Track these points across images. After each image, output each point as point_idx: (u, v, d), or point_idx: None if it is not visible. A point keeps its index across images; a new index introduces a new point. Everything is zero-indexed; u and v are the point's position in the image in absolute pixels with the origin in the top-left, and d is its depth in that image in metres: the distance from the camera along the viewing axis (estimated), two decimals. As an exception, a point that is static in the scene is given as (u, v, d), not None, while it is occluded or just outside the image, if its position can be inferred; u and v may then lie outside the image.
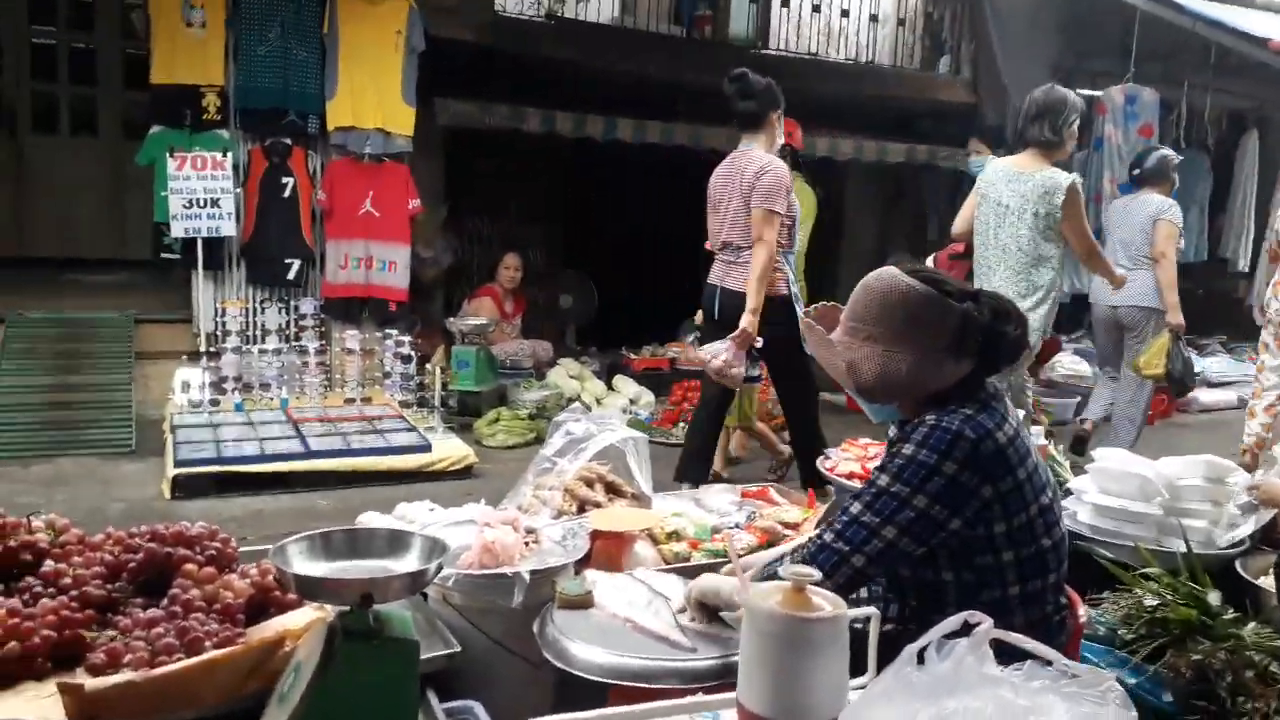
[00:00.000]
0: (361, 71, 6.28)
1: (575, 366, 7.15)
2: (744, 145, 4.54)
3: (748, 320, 4.28)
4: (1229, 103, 9.39)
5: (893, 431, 2.04)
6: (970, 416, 1.79)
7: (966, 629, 1.06)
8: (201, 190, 5.84)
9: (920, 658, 1.06)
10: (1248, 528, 3.16)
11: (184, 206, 5.82)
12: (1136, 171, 5.78)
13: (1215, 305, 9.60)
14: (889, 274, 1.90)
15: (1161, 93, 8.59)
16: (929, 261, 5.48)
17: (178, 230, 5.90)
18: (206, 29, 6.03)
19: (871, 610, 1.26)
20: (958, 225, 4.78)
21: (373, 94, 6.31)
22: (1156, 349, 5.00)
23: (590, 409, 6.38)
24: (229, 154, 5.97)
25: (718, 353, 4.36)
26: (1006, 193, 4.40)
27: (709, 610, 2.03)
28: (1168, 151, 5.86)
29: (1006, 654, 1.10)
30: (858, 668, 1.29)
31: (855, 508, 1.81)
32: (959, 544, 1.79)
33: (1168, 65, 8.78)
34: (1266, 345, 5.09)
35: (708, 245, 4.73)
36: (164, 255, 6.24)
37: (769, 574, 1.84)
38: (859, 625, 1.38)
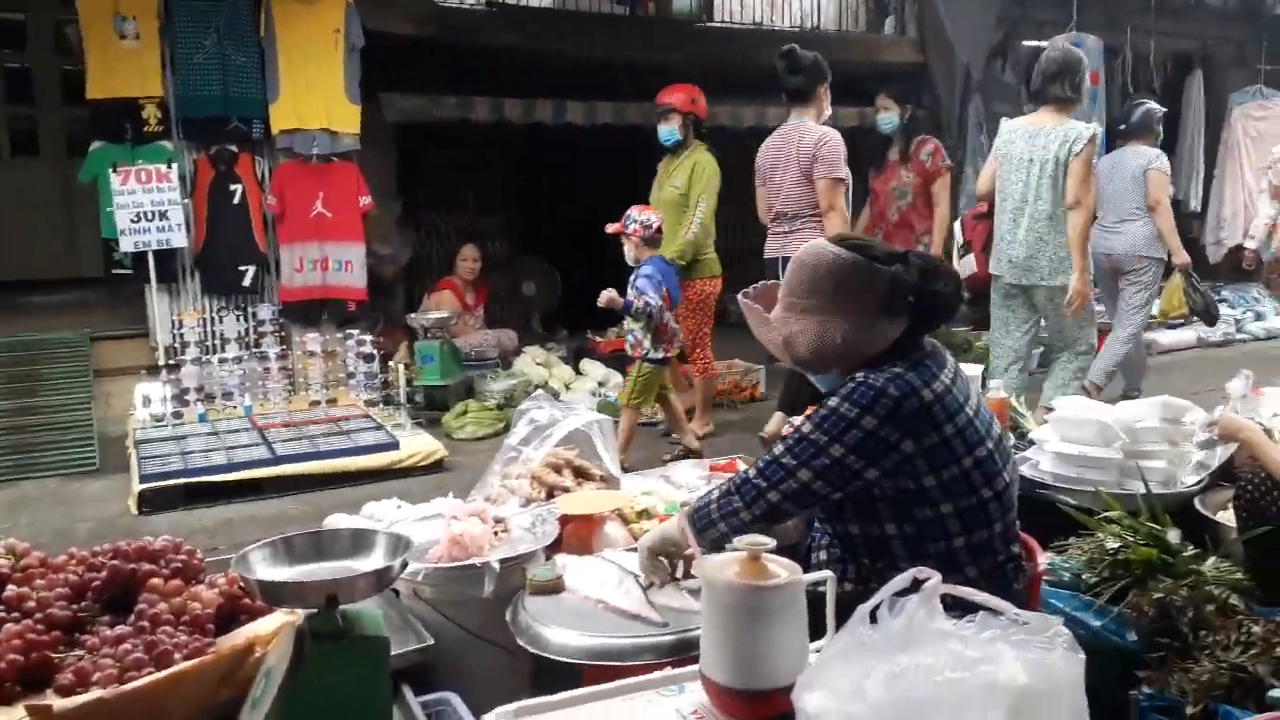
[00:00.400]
0: (303, 72, 6.19)
1: (541, 353, 7.14)
2: (795, 118, 4.81)
3: None
4: (1172, 45, 9.49)
5: None
6: (898, 375, 1.85)
7: (917, 585, 1.08)
8: (148, 203, 5.76)
9: (873, 616, 1.08)
10: (1213, 462, 3.22)
11: (131, 221, 5.74)
12: (1123, 126, 6.00)
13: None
14: (817, 245, 1.97)
15: (1105, 39, 8.67)
16: (957, 225, 5.56)
17: (127, 245, 5.81)
18: (140, 40, 5.92)
19: (827, 574, 1.28)
20: (981, 185, 4.89)
21: (316, 94, 6.23)
22: (1173, 290, 5.17)
23: (559, 395, 6.38)
24: (173, 165, 5.88)
25: None
26: (1028, 149, 4.50)
27: (663, 566, 2.12)
28: (1152, 105, 6.02)
29: (961, 606, 1.13)
30: (820, 630, 1.31)
31: (778, 449, 1.92)
32: (895, 495, 1.86)
33: (1110, 11, 8.87)
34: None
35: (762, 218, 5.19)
36: (116, 271, 6.15)
37: (703, 509, 1.98)
38: (821, 589, 1.40)
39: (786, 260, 4.48)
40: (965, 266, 5.11)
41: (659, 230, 4.88)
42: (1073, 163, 4.39)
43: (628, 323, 4.78)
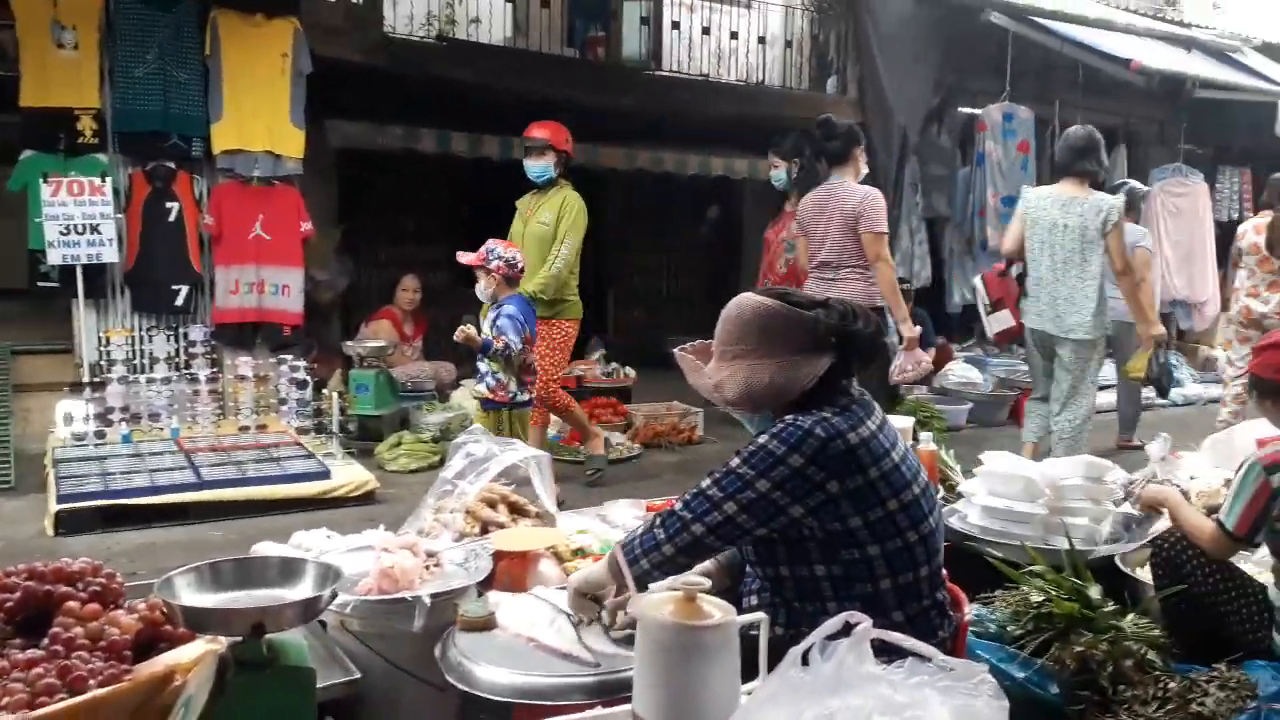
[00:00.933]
0: (247, 94, 6.14)
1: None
2: (835, 178, 5.13)
3: (908, 329, 5.05)
4: (1099, 120, 9.85)
5: None
6: (825, 419, 1.91)
7: (848, 629, 1.10)
8: (79, 216, 5.62)
9: (805, 659, 1.09)
10: (1138, 537, 3.30)
11: (61, 233, 5.59)
12: None
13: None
14: (743, 297, 2.07)
15: (1036, 110, 9.00)
16: (977, 281, 5.68)
17: (55, 258, 5.66)
18: (79, 50, 5.81)
19: (761, 615, 1.29)
20: (1008, 246, 5.29)
21: (260, 116, 6.17)
22: (1141, 356, 5.44)
23: (495, 430, 6.34)
24: (108, 178, 5.75)
25: (903, 366, 5.13)
26: (1061, 216, 4.96)
27: (591, 606, 2.13)
28: (1134, 184, 6.56)
29: (891, 651, 1.15)
30: (752, 673, 1.33)
31: (705, 483, 1.96)
32: (824, 536, 1.90)
33: (1041, 84, 9.21)
34: (1231, 342, 6.41)
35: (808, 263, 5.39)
36: (41, 284, 5.97)
37: (630, 542, 2.01)
38: (754, 632, 1.41)
39: None
40: (999, 321, 5.43)
41: (522, 269, 4.77)
42: (1111, 235, 4.87)
43: (484, 364, 4.64)
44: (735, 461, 1.94)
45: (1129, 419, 6.95)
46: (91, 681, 1.71)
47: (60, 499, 4.45)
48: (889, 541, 1.91)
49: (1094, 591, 2.62)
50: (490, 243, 4.71)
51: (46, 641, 1.82)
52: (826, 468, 1.88)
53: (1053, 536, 3.24)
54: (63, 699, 1.65)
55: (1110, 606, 2.59)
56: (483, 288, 4.68)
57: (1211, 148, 9.86)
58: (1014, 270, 5.31)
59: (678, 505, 1.97)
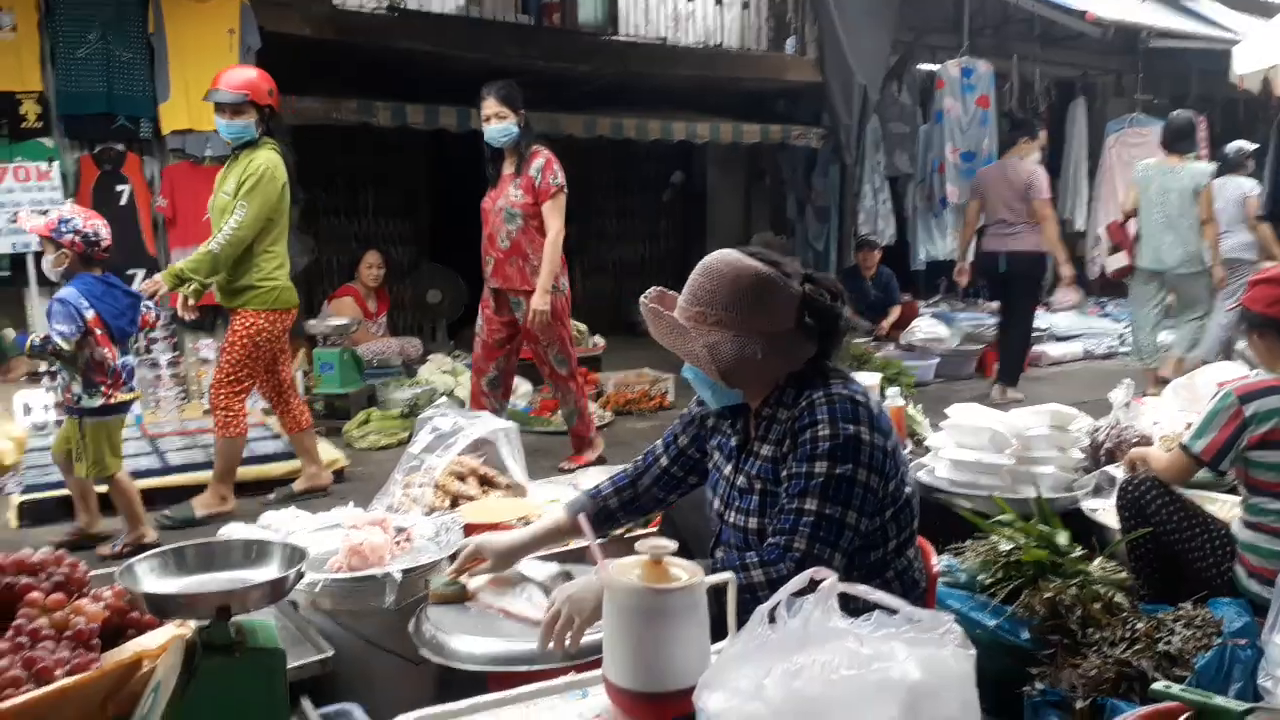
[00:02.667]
0: (195, 72, 5.99)
1: (447, 362, 7.04)
2: (1012, 158, 6.69)
3: (1067, 270, 6.75)
4: (1056, 73, 9.92)
5: (724, 426, 2.05)
6: (844, 384, 1.85)
7: (813, 586, 1.11)
8: (27, 203, 5.50)
9: (772, 617, 1.09)
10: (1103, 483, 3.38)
11: (9, 221, 5.47)
12: (1220, 163, 7.21)
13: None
14: (734, 257, 1.87)
15: (995, 65, 9.01)
16: (1103, 231, 7.49)
17: (4, 246, 5.55)
18: (17, 32, 5.65)
19: (729, 575, 1.29)
20: (1127, 205, 6.75)
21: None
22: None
23: (465, 404, 6.31)
24: (54, 163, 5.63)
25: (1061, 299, 7.23)
26: (1168, 181, 6.35)
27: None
28: (1242, 143, 7.43)
29: (859, 606, 1.15)
30: (722, 632, 1.33)
31: (811, 504, 1.74)
32: None
33: (999, 38, 9.23)
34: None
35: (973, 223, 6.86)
36: (-12, 275, 5.85)
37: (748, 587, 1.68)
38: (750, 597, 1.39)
39: (1010, 254, 6.37)
40: (1116, 261, 6.87)
41: (106, 247, 3.91)
42: (1202, 193, 6.27)
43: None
44: (821, 466, 1.76)
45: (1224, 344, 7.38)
46: (59, 671, 1.69)
47: (23, 490, 4.39)
48: (897, 503, 1.88)
49: (1062, 538, 2.65)
50: (68, 210, 3.95)
51: (10, 633, 1.79)
52: (880, 432, 1.81)
53: (1021, 486, 3.29)
54: (30, 690, 1.63)
55: (1078, 552, 2.63)
56: (50, 264, 3.85)
57: (1168, 97, 9.93)
58: (1130, 224, 6.59)
59: (802, 544, 1.71)
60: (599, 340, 7.85)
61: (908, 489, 1.93)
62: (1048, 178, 6.58)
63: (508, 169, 4.97)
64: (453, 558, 2.24)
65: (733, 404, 1.96)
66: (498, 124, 4.83)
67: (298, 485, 4.69)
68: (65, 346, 3.68)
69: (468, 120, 6.96)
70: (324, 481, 4.75)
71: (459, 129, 7.07)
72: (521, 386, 6.85)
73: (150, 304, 4.20)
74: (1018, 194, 6.47)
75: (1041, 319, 8.20)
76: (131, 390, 4.00)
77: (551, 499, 3.15)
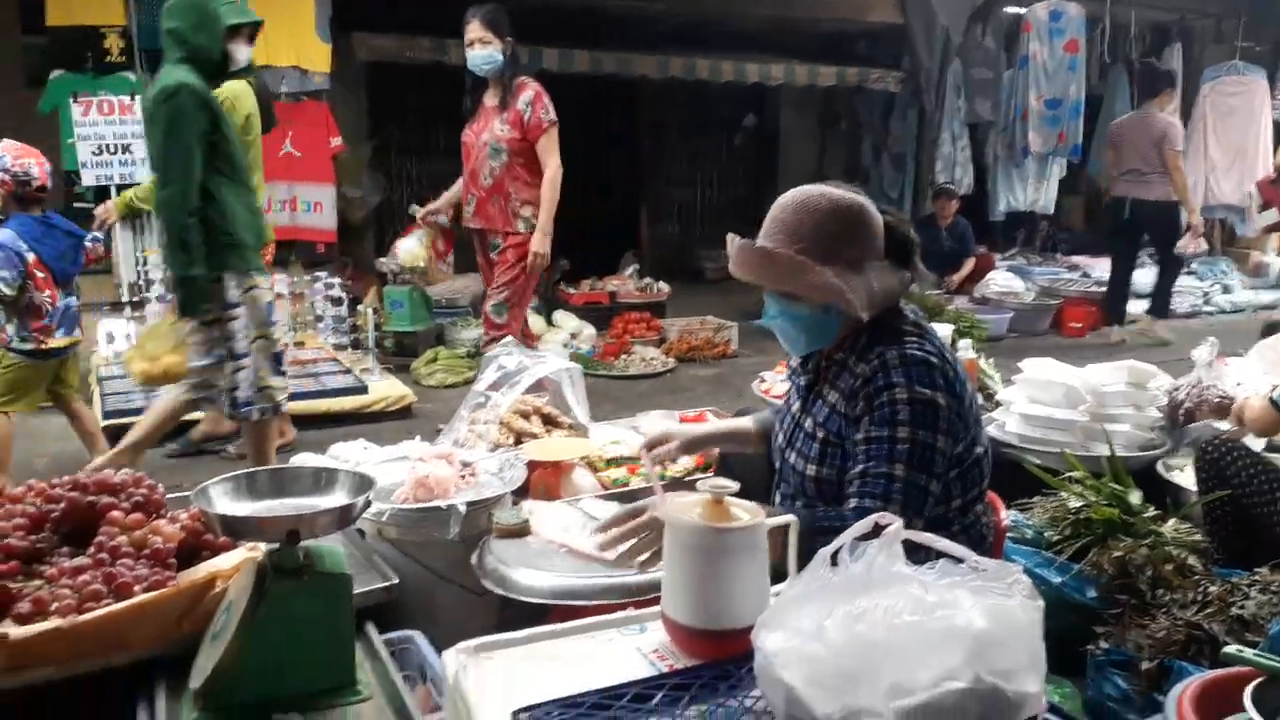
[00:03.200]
0: (272, 8, 6.03)
1: (513, 303, 7.08)
2: (1146, 109, 7.02)
3: (1195, 219, 6.88)
4: (1151, 17, 9.47)
5: (795, 363, 2.05)
6: (919, 344, 1.81)
7: (878, 531, 1.09)
8: (111, 136, 5.62)
9: (834, 560, 1.08)
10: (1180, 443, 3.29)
11: (93, 153, 5.61)
12: None
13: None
14: (817, 189, 1.83)
15: (1087, 9, 8.64)
16: (1252, 187, 7.66)
17: (89, 178, 5.68)
18: (99, -35, 5.75)
19: (790, 517, 1.28)
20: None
21: (285, 30, 6.08)
22: None
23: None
24: (136, 97, 5.73)
25: (1185, 245, 6.90)
26: None
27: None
28: None
29: (922, 555, 1.13)
30: (783, 574, 1.32)
31: (900, 470, 1.72)
32: None
33: (1092, -21, 8.83)
34: None
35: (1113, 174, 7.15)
36: (78, 205, 6.01)
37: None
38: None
39: (1130, 200, 6.57)
40: (1266, 218, 7.37)
41: (40, 187, 3.83)
42: None
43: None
44: (904, 431, 1.73)
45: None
46: (137, 587, 1.75)
47: (105, 415, 4.55)
48: (965, 463, 1.85)
49: (1134, 497, 2.59)
50: (3, 147, 3.81)
51: (92, 549, 1.86)
52: (951, 393, 1.78)
53: (1093, 443, 3.21)
54: (109, 603, 1.69)
55: (1150, 512, 2.56)
56: None
57: (1270, 44, 9.43)
58: None
59: (894, 511, 1.50)
60: (663, 286, 7.82)
61: (979, 449, 1.89)
62: (1182, 130, 6.90)
63: (490, 100, 4.57)
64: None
65: (816, 349, 1.94)
66: (481, 50, 4.41)
67: (195, 434, 4.54)
68: (7, 292, 3.65)
69: (539, 60, 6.94)
70: (223, 429, 4.46)
71: (529, 69, 7.02)
72: (585, 330, 6.88)
73: (98, 236, 4.15)
74: (1153, 143, 6.70)
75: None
76: (70, 335, 3.97)
77: (613, 440, 3.17)
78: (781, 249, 1.78)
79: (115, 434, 4.48)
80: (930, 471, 1.74)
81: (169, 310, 3.99)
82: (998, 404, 3.61)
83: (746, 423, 2.25)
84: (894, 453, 1.73)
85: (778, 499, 1.99)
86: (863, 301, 1.75)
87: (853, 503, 1.74)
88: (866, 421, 1.78)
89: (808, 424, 1.94)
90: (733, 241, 1.83)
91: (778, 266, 1.78)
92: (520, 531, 2.20)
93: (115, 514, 1.96)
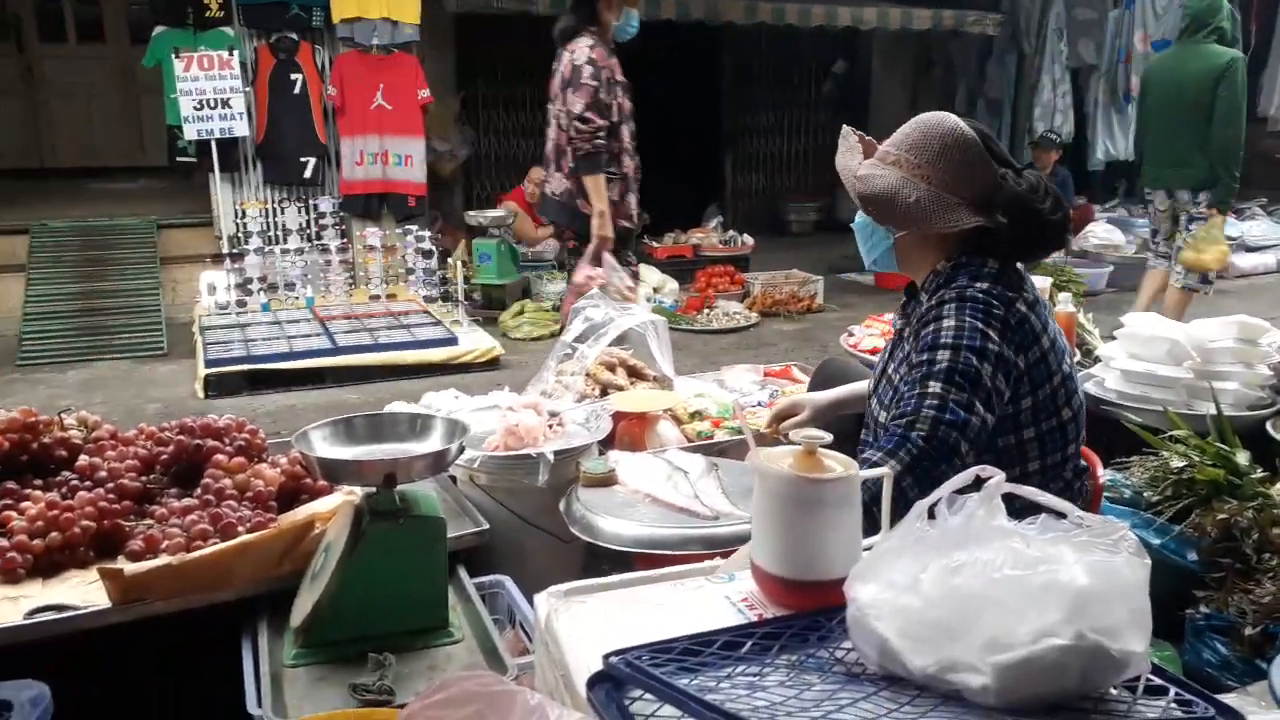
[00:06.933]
0: (361, -40, 6.11)
1: (598, 256, 7.10)
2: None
3: None
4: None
5: (895, 321, 2.02)
6: (988, 288, 1.74)
7: (979, 484, 1.06)
8: (211, 90, 5.77)
9: (931, 514, 1.06)
10: None
11: (195, 108, 5.76)
12: None
13: (1255, 167, 9.29)
14: (944, 115, 1.83)
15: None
16: None
17: (190, 133, 5.85)
18: (201, -78, 5.87)
19: (885, 470, 1.26)
20: None
21: (376, -19, 6.14)
22: None
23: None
24: (235, 52, 5.85)
25: None
26: None
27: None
28: None
29: (1023, 512, 1.10)
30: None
31: (935, 386, 1.65)
32: (991, 422, 1.71)
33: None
34: None
35: None
36: (180, 159, 6.20)
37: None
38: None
39: None
40: None
41: None
42: None
43: None
44: (944, 355, 1.67)
45: None
46: (241, 528, 1.82)
47: (208, 364, 4.72)
48: (1045, 422, 1.78)
49: (1242, 458, 2.48)
50: None
51: (199, 491, 1.95)
52: (1013, 341, 1.72)
53: (1197, 401, 3.08)
54: (215, 543, 1.77)
55: (1259, 473, 2.46)
56: None
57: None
58: None
59: (923, 428, 1.62)
60: (748, 239, 7.74)
61: (1067, 413, 1.82)
62: None
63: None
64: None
65: (884, 269, 1.97)
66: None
67: None
68: None
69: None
70: None
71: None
72: (668, 284, 6.86)
73: None
74: None
75: (1232, 227, 7.54)
76: None
77: (697, 393, 3.17)
78: (882, 149, 1.86)
79: (213, 383, 4.65)
80: (976, 393, 1.64)
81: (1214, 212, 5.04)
82: (1097, 359, 3.49)
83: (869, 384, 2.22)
84: (930, 373, 1.67)
85: (859, 448, 1.97)
86: (876, 191, 1.79)
87: (883, 434, 1.69)
88: (912, 352, 1.75)
89: (890, 370, 1.93)
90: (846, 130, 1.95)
91: (842, 143, 1.93)
92: (606, 481, 2.22)
93: (220, 457, 2.04)
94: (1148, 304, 5.36)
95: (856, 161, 1.88)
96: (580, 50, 4.10)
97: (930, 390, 1.65)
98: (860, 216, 1.95)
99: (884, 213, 1.83)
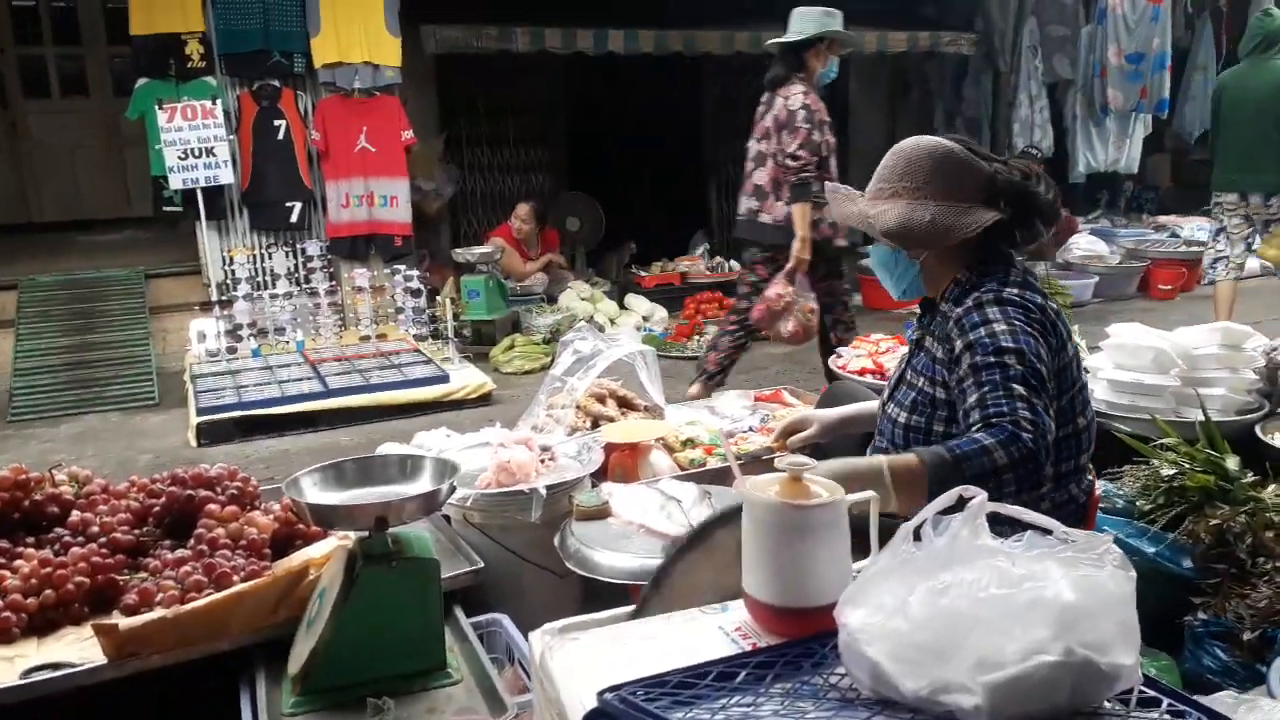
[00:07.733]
0: (343, 5, 6.15)
1: (586, 288, 7.13)
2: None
3: None
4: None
5: (912, 332, 2.03)
6: (1019, 292, 1.78)
7: (962, 504, 1.07)
8: (195, 140, 5.80)
9: (917, 535, 1.07)
10: None
11: (179, 158, 5.79)
12: None
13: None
14: (919, 137, 1.91)
15: (1168, -45, 8.32)
16: None
17: (176, 182, 5.87)
18: (180, -26, 5.92)
19: (870, 494, 1.27)
20: None
21: (357, 27, 6.19)
22: None
23: (604, 329, 6.39)
24: (218, 101, 5.89)
25: None
26: None
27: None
28: None
29: (1008, 526, 1.11)
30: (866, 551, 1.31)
31: (1020, 389, 1.65)
32: None
33: (1173, -75, 8.48)
34: None
35: None
36: (166, 209, 6.22)
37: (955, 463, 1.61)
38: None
39: None
40: None
41: None
42: None
43: None
44: (1011, 359, 1.67)
45: None
46: (235, 577, 1.82)
47: (200, 411, 4.71)
48: (1063, 428, 1.79)
49: (1231, 463, 2.50)
50: None
51: (192, 542, 1.94)
52: (1049, 344, 1.75)
53: (1185, 408, 3.10)
54: (210, 593, 1.76)
55: (1249, 478, 2.47)
56: None
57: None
58: None
59: (1027, 415, 1.61)
60: (734, 265, 7.76)
61: (1081, 420, 1.85)
62: None
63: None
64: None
65: (914, 296, 1.98)
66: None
67: None
68: None
69: (605, 41, 6.89)
70: None
71: (595, 51, 7.01)
72: (657, 312, 6.89)
73: None
74: None
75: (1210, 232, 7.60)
76: None
77: (689, 421, 3.18)
78: (871, 188, 1.92)
79: (205, 431, 4.64)
80: (1045, 395, 1.67)
81: None
82: (1084, 370, 3.51)
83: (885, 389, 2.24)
84: (1009, 375, 1.67)
85: (870, 451, 1.99)
86: (892, 225, 1.82)
87: (979, 428, 1.65)
88: (967, 356, 1.74)
89: (909, 374, 1.96)
90: (830, 187, 2.03)
91: (831, 199, 1.99)
92: (600, 514, 2.22)
93: (212, 506, 2.04)
94: (1228, 314, 5.60)
95: (859, 206, 1.92)
96: (795, 97, 4.53)
97: (1017, 393, 1.65)
98: (877, 254, 1.99)
99: (907, 239, 1.86)
